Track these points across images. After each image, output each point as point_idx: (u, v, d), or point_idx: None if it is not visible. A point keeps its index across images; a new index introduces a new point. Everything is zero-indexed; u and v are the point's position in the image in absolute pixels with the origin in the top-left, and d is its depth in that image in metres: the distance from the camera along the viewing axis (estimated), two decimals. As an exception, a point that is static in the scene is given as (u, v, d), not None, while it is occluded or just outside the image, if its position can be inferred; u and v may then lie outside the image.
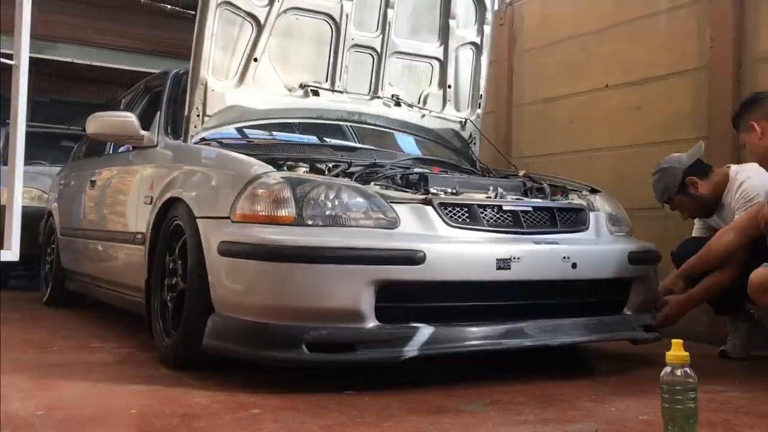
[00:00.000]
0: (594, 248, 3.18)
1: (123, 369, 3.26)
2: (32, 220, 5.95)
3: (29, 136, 7.55)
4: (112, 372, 3.17)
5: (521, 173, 3.93)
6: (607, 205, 3.62)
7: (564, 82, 5.41)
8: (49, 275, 5.60)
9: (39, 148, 7.44)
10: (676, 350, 1.99)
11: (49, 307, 5.45)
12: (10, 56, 2.49)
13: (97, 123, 3.98)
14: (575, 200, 3.57)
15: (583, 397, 2.78)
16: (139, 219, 3.75)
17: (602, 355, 3.82)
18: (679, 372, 1.96)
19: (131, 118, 3.99)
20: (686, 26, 4.53)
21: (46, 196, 6.17)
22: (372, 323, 2.75)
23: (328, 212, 2.88)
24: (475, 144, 4.53)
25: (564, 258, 3.07)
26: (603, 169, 4.94)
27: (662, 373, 2.00)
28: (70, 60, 8.47)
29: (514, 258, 2.92)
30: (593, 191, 3.70)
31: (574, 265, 3.08)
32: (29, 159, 7.13)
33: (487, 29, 4.41)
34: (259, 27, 3.75)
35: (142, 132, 3.96)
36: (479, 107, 4.52)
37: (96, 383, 2.91)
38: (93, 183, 4.72)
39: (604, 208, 3.57)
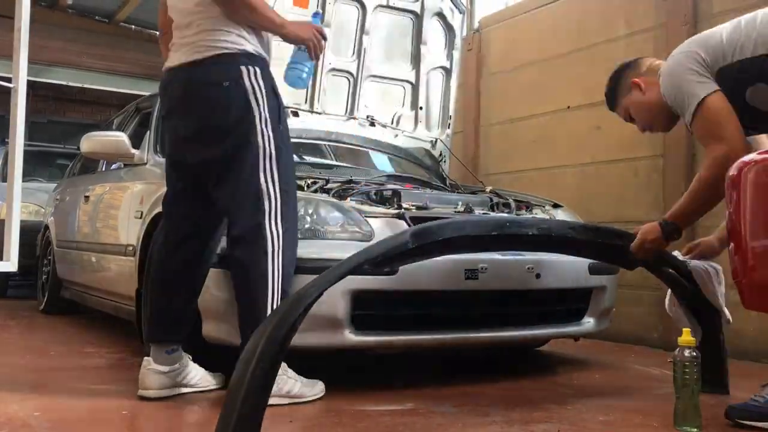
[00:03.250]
0: (556, 259, 3.19)
1: (115, 373, 3.23)
2: (30, 233, 5.91)
3: (27, 154, 7.55)
4: (105, 376, 3.15)
5: (488, 189, 3.94)
6: (568, 218, 3.64)
7: (528, 103, 5.44)
8: (45, 285, 5.55)
9: (36, 165, 7.39)
10: (686, 336, 2.34)
11: (45, 314, 5.40)
12: (8, 79, 2.47)
13: (91, 142, 3.95)
14: (539, 214, 3.58)
15: (547, 399, 2.78)
16: (130, 232, 3.72)
17: (564, 360, 3.84)
18: (686, 352, 2.32)
19: (123, 137, 3.96)
20: (644, 51, 4.54)
21: (43, 210, 6.12)
22: (348, 330, 2.75)
23: (306, 226, 2.88)
24: (444, 162, 4.54)
25: (528, 268, 3.08)
26: (565, 185, 4.98)
27: (675, 351, 2.34)
28: (65, 83, 8.43)
29: (481, 268, 2.92)
30: (555, 206, 3.72)
31: (537, 276, 3.09)
32: (27, 176, 7.13)
33: (456, 54, 4.44)
34: (243, 52, 3.74)
35: (133, 150, 3.93)
36: (449, 127, 4.53)
37: (90, 386, 2.89)
38: (87, 198, 4.68)
39: (565, 222, 3.58)
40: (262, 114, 2.52)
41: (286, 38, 2.65)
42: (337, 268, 2.15)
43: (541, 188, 4.66)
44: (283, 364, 2.49)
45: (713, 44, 2.53)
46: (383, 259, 2.28)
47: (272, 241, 2.49)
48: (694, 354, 2.32)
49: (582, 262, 3.28)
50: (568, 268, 3.25)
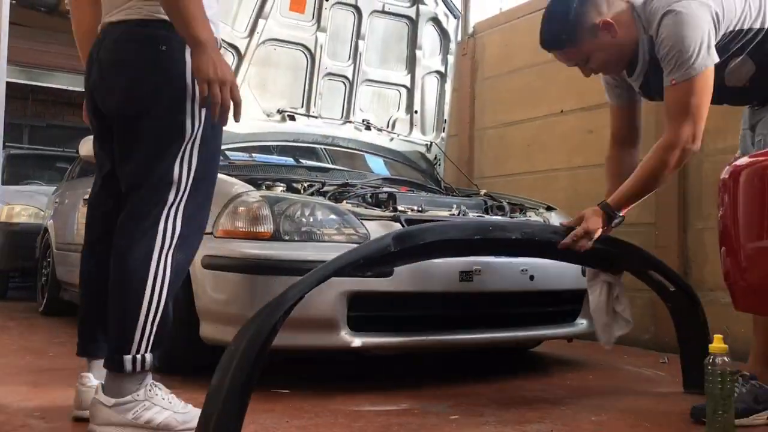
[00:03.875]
0: (551, 261, 3.18)
1: (112, 375, 3.21)
2: (30, 235, 5.90)
3: (27, 157, 7.50)
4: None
5: (482, 192, 3.94)
6: (562, 221, 3.63)
7: (522, 107, 5.45)
8: (45, 287, 5.54)
9: (36, 168, 7.37)
10: (718, 343, 2.15)
11: (44, 316, 5.38)
12: None
13: (89, 145, 3.93)
14: (533, 217, 3.58)
15: (540, 399, 2.78)
16: (128, 235, 3.70)
17: (557, 361, 3.84)
18: (719, 360, 2.11)
19: (121, 140, 3.94)
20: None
21: (43, 213, 6.10)
22: (344, 331, 2.75)
23: (303, 228, 2.87)
24: (439, 165, 4.54)
25: (522, 270, 3.08)
26: (559, 188, 4.98)
27: (706, 360, 2.13)
28: (65, 87, 8.42)
29: (476, 270, 2.92)
30: (549, 209, 3.72)
31: (531, 277, 3.09)
32: (27, 179, 7.09)
33: (450, 59, 4.44)
34: (240, 56, 3.75)
35: (131, 154, 3.92)
36: (443, 131, 4.53)
37: (87, 388, 2.87)
38: (85, 201, 4.65)
39: (559, 225, 3.58)
40: (196, 96, 2.08)
41: (193, 53, 2.05)
42: (319, 270, 2.16)
43: (535, 191, 4.66)
44: (154, 388, 2.15)
45: (728, 5, 2.35)
46: (365, 262, 2.26)
47: (163, 238, 2.09)
48: (726, 359, 2.12)
49: (575, 264, 3.28)
50: (561, 271, 3.24)
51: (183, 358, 3.07)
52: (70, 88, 8.43)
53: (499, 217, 3.38)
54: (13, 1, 7.47)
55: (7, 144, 7.52)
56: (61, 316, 5.24)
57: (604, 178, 2.95)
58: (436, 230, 2.45)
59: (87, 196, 4.55)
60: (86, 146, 3.93)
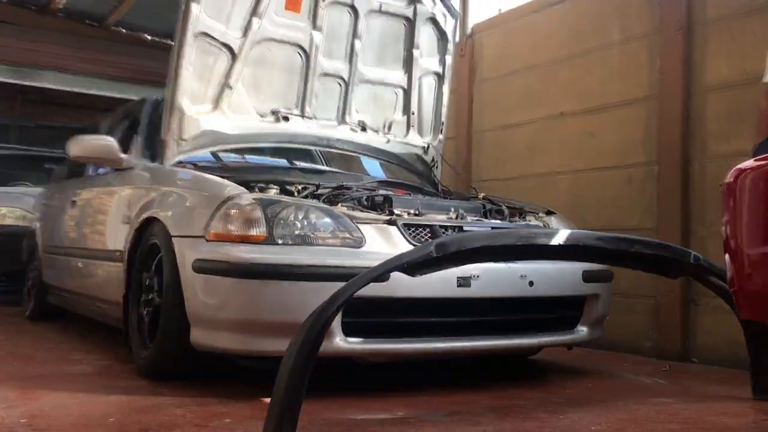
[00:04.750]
0: (550, 266, 3.17)
1: (102, 380, 3.20)
2: (16, 238, 5.86)
3: (15, 158, 7.41)
4: (92, 383, 3.11)
5: (481, 195, 3.93)
6: (561, 225, 3.63)
7: (521, 109, 5.44)
8: (31, 291, 5.50)
9: (24, 170, 7.33)
10: None
11: (32, 321, 5.35)
12: None
13: (79, 146, 3.92)
14: (532, 221, 3.57)
15: (539, 408, 2.76)
16: (117, 237, 3.68)
17: (557, 368, 3.82)
18: None
19: (111, 141, 3.94)
20: (638, 57, 4.58)
21: (30, 215, 6.06)
22: (338, 337, 2.73)
23: (297, 232, 2.86)
24: (437, 168, 4.53)
25: (521, 276, 3.06)
26: (559, 192, 4.97)
27: None
28: (53, 87, 8.39)
29: (473, 276, 2.90)
30: (549, 213, 3.71)
31: (530, 283, 3.08)
32: (14, 180, 7.05)
33: (448, 59, 4.43)
34: (234, 56, 3.73)
35: (122, 155, 3.91)
36: (441, 133, 4.52)
37: (77, 393, 2.86)
38: (74, 203, 4.64)
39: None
40: None
41: None
42: (366, 274, 2.20)
43: (535, 195, 4.65)
44: None
45: None
46: (408, 266, 2.33)
47: None
48: None
49: (576, 270, 3.27)
50: (561, 276, 3.24)
51: (173, 365, 3.05)
52: (60, 88, 8.41)
53: (538, 224, 3.40)
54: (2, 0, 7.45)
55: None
56: (48, 320, 5.21)
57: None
58: (479, 237, 2.48)
59: (75, 198, 4.57)
60: (76, 147, 3.90)
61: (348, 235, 2.91)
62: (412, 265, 2.34)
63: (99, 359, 3.72)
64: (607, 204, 4.65)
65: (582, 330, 3.39)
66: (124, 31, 8.66)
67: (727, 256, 2.06)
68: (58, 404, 2.67)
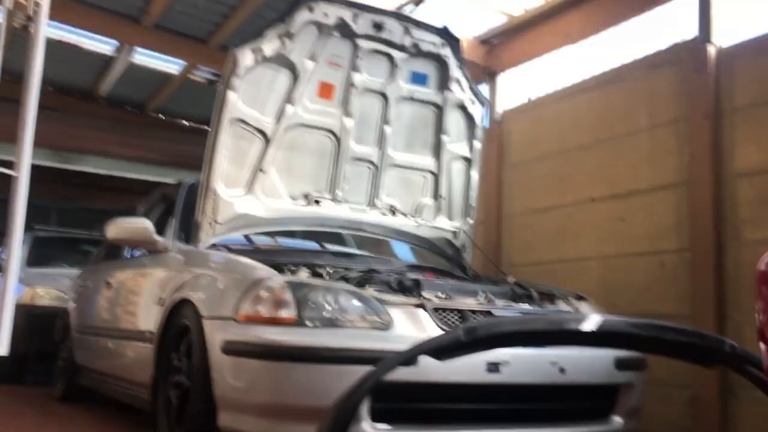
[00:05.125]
0: (581, 353, 3.10)
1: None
2: (51, 318, 5.92)
3: (55, 240, 7.50)
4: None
5: (511, 280, 3.90)
6: (592, 311, 3.57)
7: (551, 194, 5.44)
8: (62, 371, 5.51)
9: (62, 251, 7.47)
10: None
11: (62, 402, 5.33)
12: (10, 164, 2.45)
13: (116, 228, 4.00)
14: (563, 306, 3.53)
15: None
16: (149, 318, 3.70)
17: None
18: None
19: (147, 224, 4.01)
20: (666, 143, 4.58)
21: (65, 296, 6.13)
22: (366, 423, 2.68)
23: (326, 314, 2.85)
24: (466, 252, 4.52)
25: (552, 362, 3.00)
26: (590, 277, 4.91)
27: None
28: (94, 171, 8.63)
29: (503, 362, 2.86)
30: (580, 298, 3.66)
31: (562, 370, 3.01)
32: (52, 261, 7.17)
33: (477, 144, 4.47)
34: (267, 141, 3.82)
35: (157, 237, 3.97)
36: (471, 217, 4.53)
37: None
38: (108, 284, 4.70)
39: (589, 314, 3.52)
40: None
41: None
42: (394, 357, 2.17)
43: (565, 280, 4.60)
44: None
45: None
46: (437, 350, 2.30)
47: None
48: None
49: (608, 357, 3.20)
50: (594, 363, 3.17)
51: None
52: (101, 172, 8.64)
53: (568, 309, 3.38)
54: (50, 88, 7.77)
55: (34, 226, 7.67)
56: (78, 402, 5.19)
57: None
58: (509, 322, 2.45)
59: (110, 279, 4.63)
60: (113, 229, 3.98)
61: (377, 318, 2.90)
62: (440, 350, 2.31)
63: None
64: (640, 290, 4.58)
65: (616, 420, 3.27)
66: (163, 117, 8.94)
67: (762, 345, 2.01)
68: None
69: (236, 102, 3.66)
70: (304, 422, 2.64)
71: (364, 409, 2.67)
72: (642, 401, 3.43)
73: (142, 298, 4.02)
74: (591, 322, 2.52)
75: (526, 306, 3.35)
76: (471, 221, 4.55)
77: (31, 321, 6.32)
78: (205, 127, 4.95)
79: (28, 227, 6.57)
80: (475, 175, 4.51)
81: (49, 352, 5.83)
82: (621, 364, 3.22)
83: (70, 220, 9.36)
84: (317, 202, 4.03)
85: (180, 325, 3.30)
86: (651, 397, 3.71)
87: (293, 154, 3.95)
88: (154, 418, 3.37)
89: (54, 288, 6.47)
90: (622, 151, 4.89)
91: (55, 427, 4.27)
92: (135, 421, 4.21)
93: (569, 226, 5.23)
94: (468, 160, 4.48)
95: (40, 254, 7.33)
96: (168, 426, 3.21)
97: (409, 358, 2.31)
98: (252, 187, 3.81)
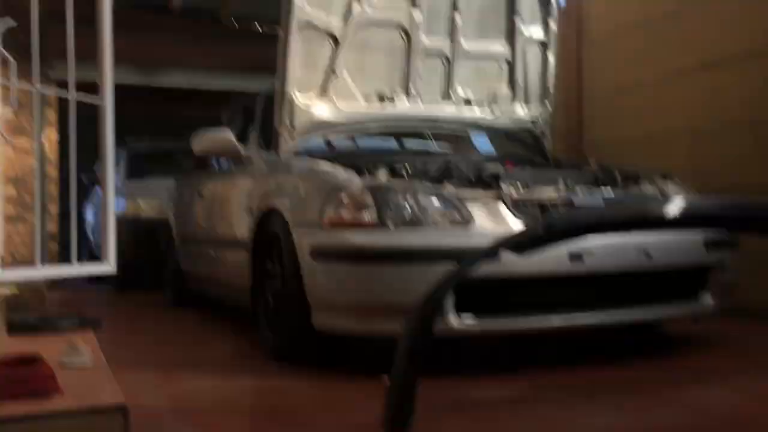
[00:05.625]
0: (668, 237, 3.03)
1: (235, 364, 3.39)
2: (157, 228, 6.23)
3: (148, 153, 7.67)
4: (226, 367, 3.30)
5: (593, 163, 3.82)
6: (679, 191, 3.47)
7: (634, 67, 5.20)
8: (171, 278, 5.78)
9: (156, 163, 7.74)
10: None
11: (173, 307, 5.62)
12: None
13: (202, 141, 4.12)
14: (647, 188, 3.43)
15: (662, 384, 2.68)
16: (242, 227, 3.85)
17: (682, 340, 3.66)
18: None
19: (230, 134, 4.09)
20: (762, 4, 4.25)
21: (164, 206, 6.38)
22: (451, 315, 2.75)
23: (406, 214, 2.89)
24: (546, 138, 4.43)
25: (637, 248, 2.95)
26: (678, 153, 4.73)
27: None
28: (177, 85, 8.79)
29: (586, 252, 2.84)
30: (665, 177, 3.55)
31: (648, 255, 2.97)
32: (148, 173, 7.44)
33: (552, 24, 4.29)
34: (337, 43, 3.78)
35: (240, 147, 4.06)
36: (549, 102, 4.41)
37: (212, 377, 3.05)
38: (201, 195, 4.87)
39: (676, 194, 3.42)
40: None
41: None
42: (472, 258, 2.20)
43: (650, 157, 4.46)
44: None
45: None
46: (518, 245, 2.32)
47: None
48: None
49: (696, 238, 3.12)
50: (682, 246, 3.10)
51: (297, 348, 3.18)
52: (183, 85, 8.78)
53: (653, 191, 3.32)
54: (124, 5, 7.85)
55: (127, 141, 7.96)
56: (187, 306, 5.48)
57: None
58: (588, 215, 2.45)
59: (202, 189, 4.80)
60: (199, 142, 4.10)
61: (456, 215, 2.91)
62: (519, 244, 2.32)
63: (231, 344, 3.93)
64: (731, 164, 4.39)
65: (707, 300, 3.23)
66: (236, 24, 8.92)
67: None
68: (196, 387, 2.86)
69: (303, 5, 3.61)
70: (391, 318, 2.73)
71: (450, 303, 2.73)
72: (735, 279, 3.35)
73: (232, 208, 4.16)
74: (674, 206, 2.47)
75: (608, 191, 3.28)
76: (550, 106, 4.43)
77: (138, 233, 6.68)
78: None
79: (122, 142, 6.82)
80: (551, 57, 4.35)
81: (158, 261, 6.14)
82: (711, 245, 3.15)
83: (159, 132, 9.63)
84: (392, 100, 4.00)
85: (270, 233, 3.42)
86: (752, 274, 3.59)
87: (364, 54, 3.90)
88: (254, 319, 3.56)
89: (154, 199, 6.78)
90: (711, 16, 4.58)
91: (169, 329, 4.56)
92: (237, 322, 4.45)
93: (655, 100, 5.02)
94: (543, 43, 4.32)
95: (136, 167, 7.66)
96: (268, 327, 3.39)
97: (489, 254, 2.33)
98: (326, 91, 3.81)
